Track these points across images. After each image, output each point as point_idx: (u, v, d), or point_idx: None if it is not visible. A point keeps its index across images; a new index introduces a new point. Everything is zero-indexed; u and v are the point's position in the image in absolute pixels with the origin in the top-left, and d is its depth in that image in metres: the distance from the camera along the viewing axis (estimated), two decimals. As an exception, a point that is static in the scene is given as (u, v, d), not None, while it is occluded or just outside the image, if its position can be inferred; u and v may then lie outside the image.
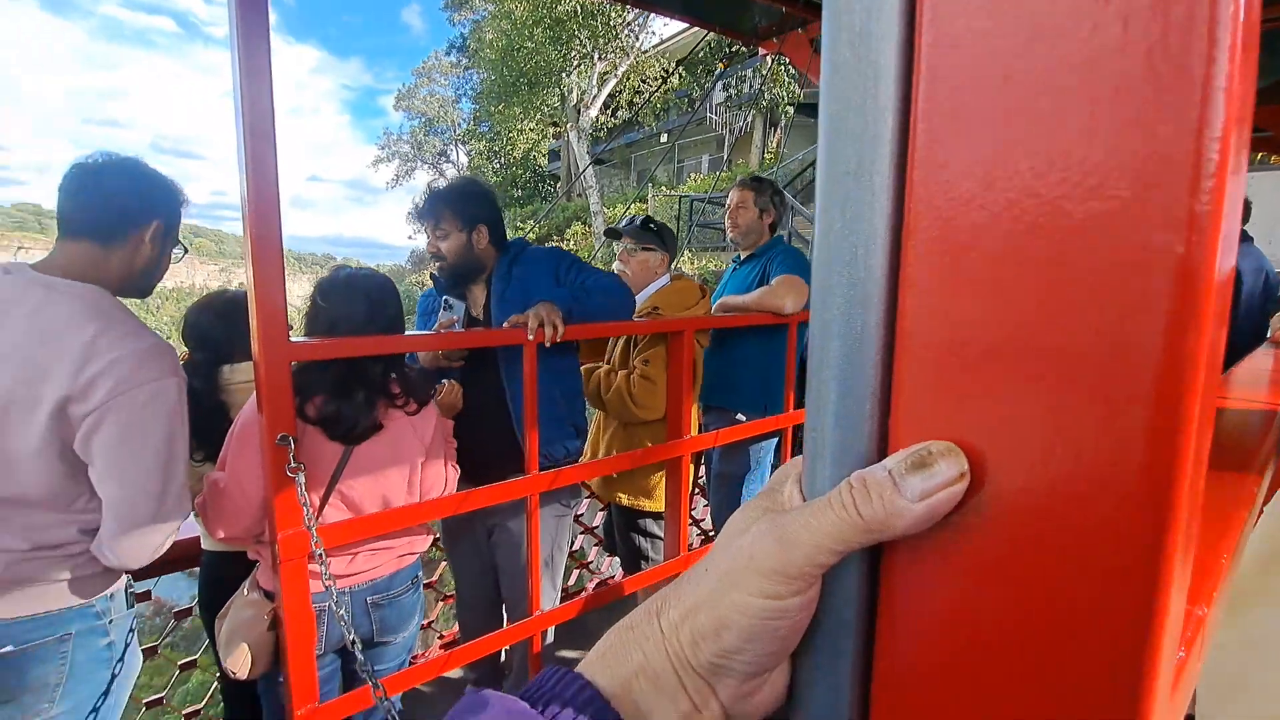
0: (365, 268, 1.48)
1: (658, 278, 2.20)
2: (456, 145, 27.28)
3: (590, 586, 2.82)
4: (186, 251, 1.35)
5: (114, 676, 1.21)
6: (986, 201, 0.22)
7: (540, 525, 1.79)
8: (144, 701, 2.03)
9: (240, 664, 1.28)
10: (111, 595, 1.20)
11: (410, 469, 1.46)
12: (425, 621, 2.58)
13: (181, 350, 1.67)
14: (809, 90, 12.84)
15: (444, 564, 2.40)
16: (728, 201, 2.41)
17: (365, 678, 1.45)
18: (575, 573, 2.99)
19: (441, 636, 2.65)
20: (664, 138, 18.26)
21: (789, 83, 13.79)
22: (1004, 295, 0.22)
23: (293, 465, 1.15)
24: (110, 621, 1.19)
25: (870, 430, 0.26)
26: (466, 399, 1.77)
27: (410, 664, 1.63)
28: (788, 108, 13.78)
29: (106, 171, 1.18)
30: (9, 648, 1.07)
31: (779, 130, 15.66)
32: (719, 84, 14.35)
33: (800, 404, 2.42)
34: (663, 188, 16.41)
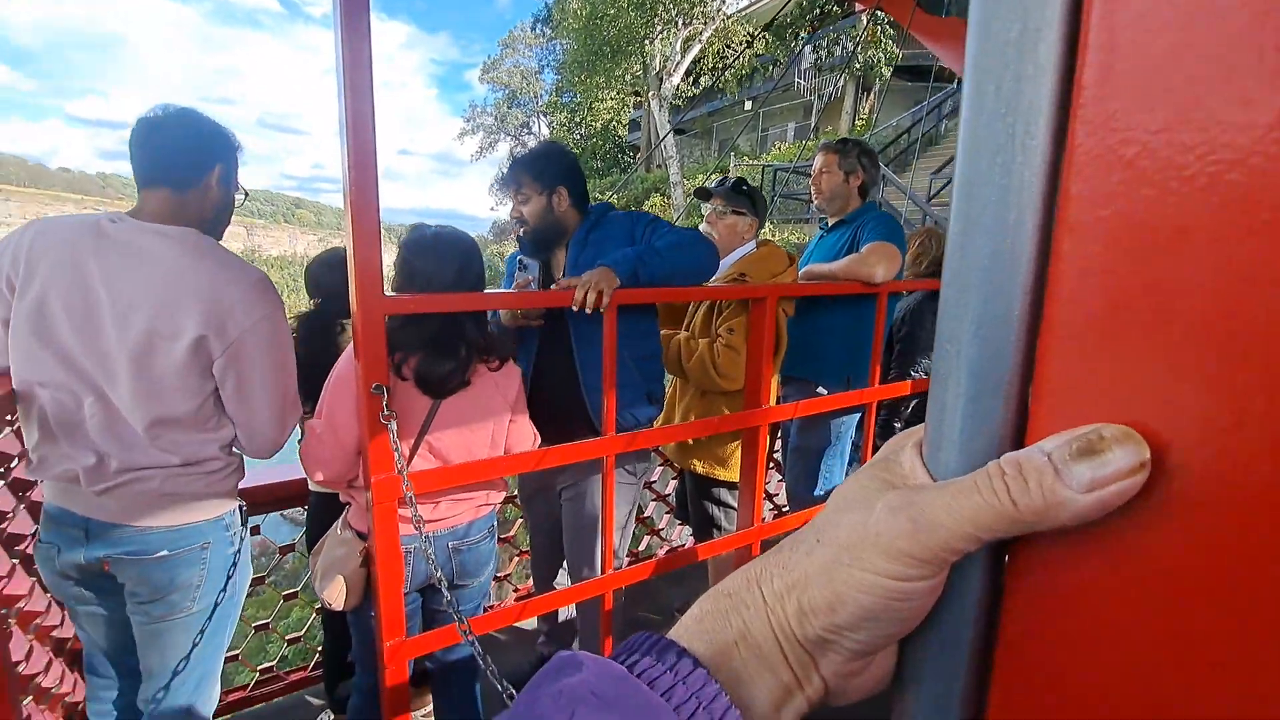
0: (449, 227, 1.52)
1: (744, 244, 2.14)
2: (538, 117, 27.56)
3: (660, 553, 2.85)
4: (247, 196, 1.44)
5: (233, 581, 1.40)
6: (1162, 156, 0.19)
7: (590, 500, 1.82)
8: (254, 625, 2.24)
9: (335, 596, 1.38)
10: (234, 511, 1.39)
11: (494, 424, 1.51)
12: (501, 574, 2.69)
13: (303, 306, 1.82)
14: (910, 51, 12.07)
15: (519, 521, 2.48)
16: (812, 168, 2.31)
17: (447, 616, 1.55)
18: (645, 539, 3.03)
19: (516, 590, 2.76)
20: (748, 105, 17.73)
21: (886, 43, 13.00)
22: (1188, 261, 0.19)
23: (386, 413, 1.20)
24: (234, 534, 1.39)
25: (1006, 405, 0.23)
26: (540, 361, 1.80)
27: (485, 611, 1.70)
28: (883, 70, 13.02)
29: (169, 123, 1.27)
30: (163, 553, 1.26)
31: (871, 95, 14.88)
32: (807, 47, 13.73)
33: (887, 379, 2.32)
34: (745, 157, 16.01)
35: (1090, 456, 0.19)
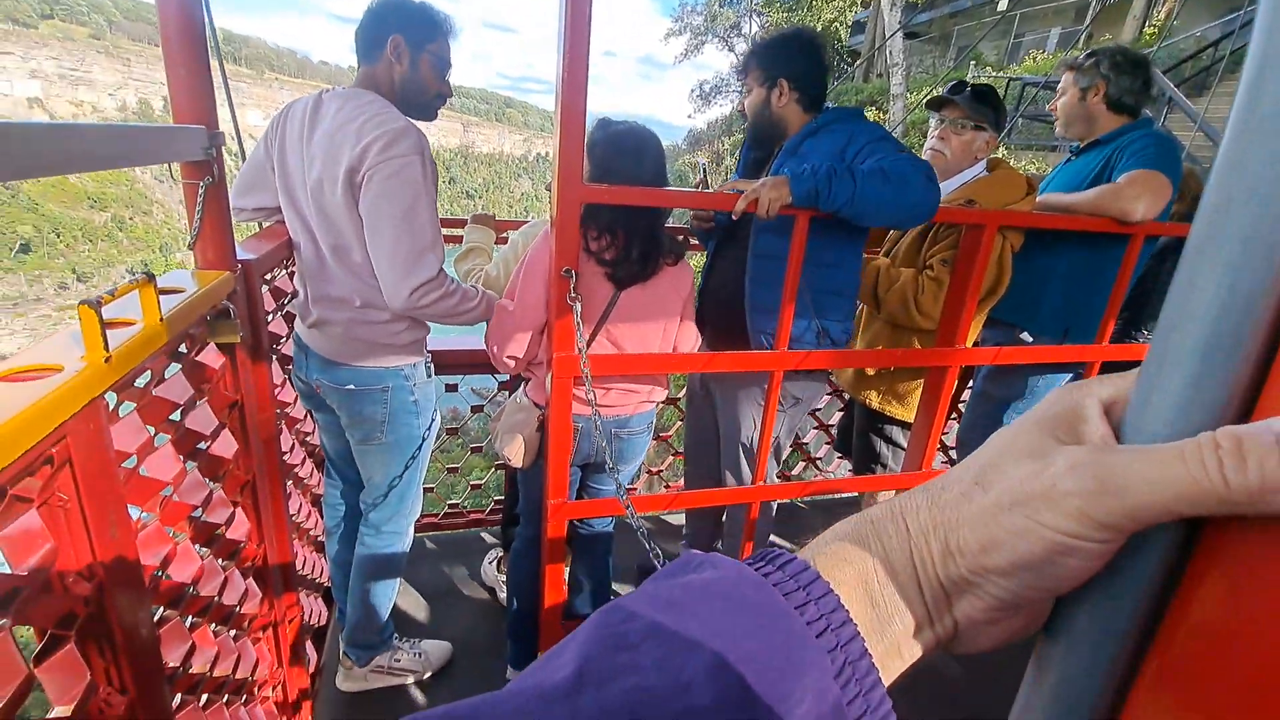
0: (636, 123, 1.52)
1: (977, 163, 1.88)
2: (751, 16, 25.87)
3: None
4: (450, 67, 1.50)
5: (418, 422, 1.59)
6: None
7: (741, 409, 1.79)
8: (446, 468, 2.63)
9: (514, 453, 1.55)
10: (415, 365, 1.56)
11: (667, 320, 1.56)
12: (655, 469, 2.85)
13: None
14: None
15: (679, 423, 2.57)
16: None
17: (596, 492, 1.68)
18: (800, 464, 3.00)
19: (668, 486, 2.91)
20: (1001, 4, 15.05)
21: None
22: None
23: (572, 295, 1.28)
24: (415, 384, 1.56)
25: (1238, 374, 0.20)
26: (714, 265, 1.77)
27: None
28: (1197, -40, 10.27)
29: (370, 4, 1.41)
30: (351, 386, 1.49)
31: (1173, -6, 11.86)
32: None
33: (1121, 338, 1.98)
34: (988, 68, 13.80)
35: None
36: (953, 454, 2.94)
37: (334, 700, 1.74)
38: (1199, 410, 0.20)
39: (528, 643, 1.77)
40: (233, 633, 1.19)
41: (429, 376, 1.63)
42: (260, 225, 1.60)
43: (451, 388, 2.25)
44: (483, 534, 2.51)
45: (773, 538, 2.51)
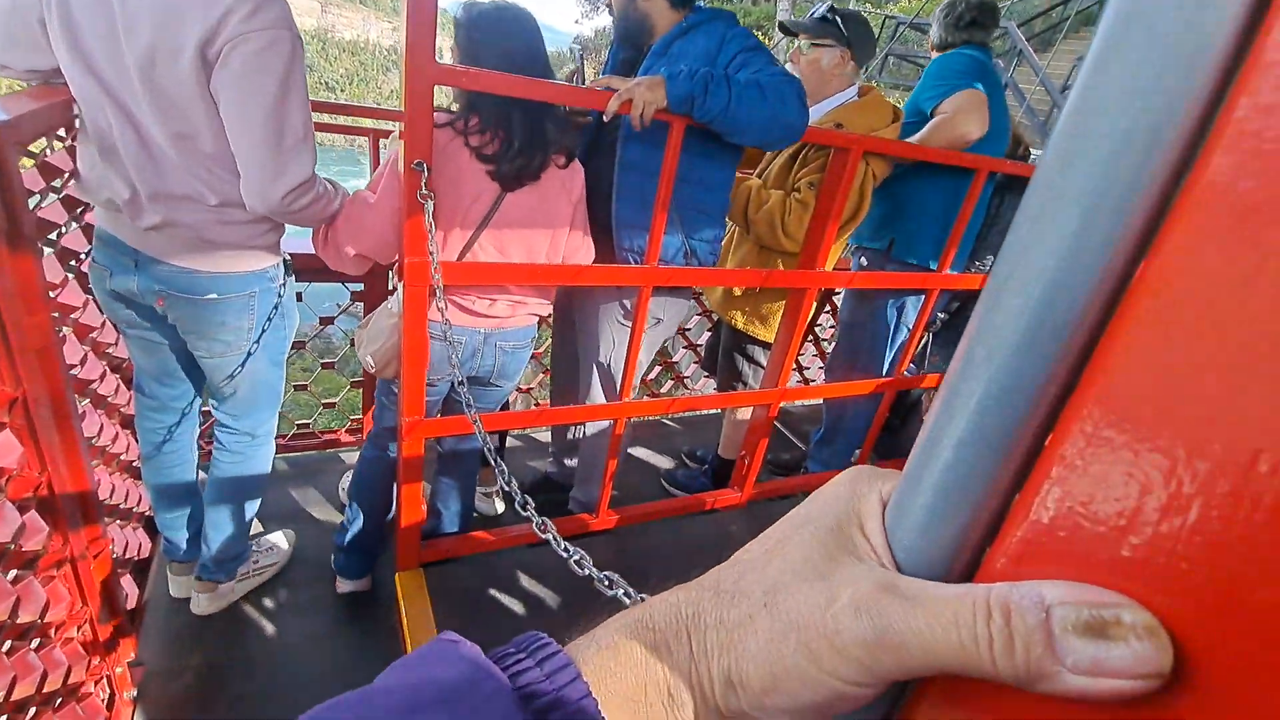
0: (507, 3, 1.36)
1: (836, 85, 1.89)
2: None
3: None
4: None
5: (287, 321, 1.49)
6: None
7: (601, 327, 1.76)
8: (293, 385, 2.40)
9: (378, 361, 1.46)
10: (277, 265, 1.42)
11: (556, 227, 1.46)
12: (525, 387, 2.80)
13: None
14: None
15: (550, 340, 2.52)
16: None
17: (489, 407, 1.62)
18: (668, 383, 3.08)
19: (538, 404, 2.88)
20: (885, -62, 15.24)
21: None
22: None
23: (424, 193, 1.15)
24: (280, 286, 1.44)
25: (993, 487, 0.19)
26: (585, 171, 1.68)
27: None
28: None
29: None
30: (212, 296, 1.33)
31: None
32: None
33: (967, 266, 2.14)
34: (867, 3, 14.09)
35: (1098, 638, 0.16)
36: (807, 374, 3.14)
37: (173, 630, 1.60)
38: (956, 513, 0.20)
39: (365, 554, 1.73)
40: (12, 573, 1.02)
41: (288, 273, 1.48)
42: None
43: (297, 297, 2.02)
44: (341, 455, 2.36)
45: (634, 450, 2.58)
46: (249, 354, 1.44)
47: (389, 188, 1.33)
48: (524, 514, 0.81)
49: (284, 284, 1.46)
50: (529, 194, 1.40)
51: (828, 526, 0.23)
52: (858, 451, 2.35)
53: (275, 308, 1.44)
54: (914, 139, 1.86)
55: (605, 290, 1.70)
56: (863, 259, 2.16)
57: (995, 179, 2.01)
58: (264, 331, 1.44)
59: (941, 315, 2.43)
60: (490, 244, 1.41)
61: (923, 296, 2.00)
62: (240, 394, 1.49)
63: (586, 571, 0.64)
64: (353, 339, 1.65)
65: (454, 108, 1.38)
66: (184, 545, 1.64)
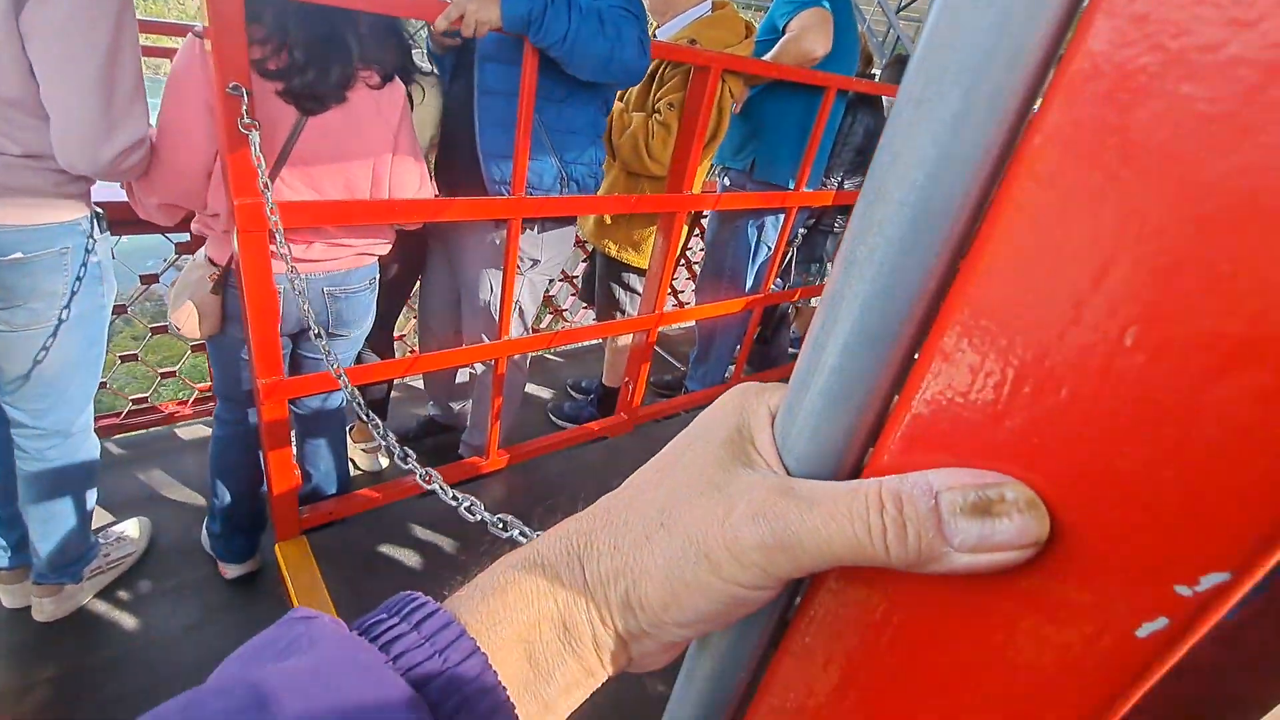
0: None
1: (703, 3, 1.85)
2: None
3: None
4: None
5: (105, 288, 1.29)
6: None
7: (477, 268, 1.69)
8: (120, 356, 2.10)
9: (183, 321, 1.28)
10: (88, 217, 1.22)
11: (374, 155, 1.31)
12: (398, 335, 2.64)
13: None
14: None
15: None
16: None
17: (316, 364, 1.49)
18: (548, 317, 3.03)
19: (412, 351, 2.74)
20: None
21: None
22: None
23: (246, 121, 1.00)
24: (95, 241, 1.24)
25: (878, 385, 0.20)
26: (449, 100, 1.55)
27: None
28: None
29: None
30: (18, 255, 1.13)
31: None
32: None
33: (822, 183, 2.24)
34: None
35: (984, 517, 0.17)
36: (681, 297, 3.22)
37: (14, 643, 1.40)
38: (836, 431, 0.21)
39: (245, 534, 1.60)
40: None
41: (104, 230, 1.26)
42: None
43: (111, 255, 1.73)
44: (185, 428, 2.12)
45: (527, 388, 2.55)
46: (59, 323, 1.22)
47: (172, 119, 1.13)
48: (405, 466, 0.77)
49: (98, 239, 1.25)
50: (337, 119, 1.23)
51: (719, 441, 0.23)
52: (732, 368, 2.47)
53: (85, 266, 1.23)
54: (765, 58, 1.87)
55: (476, 227, 1.61)
56: (726, 179, 2.20)
57: (847, 97, 2.09)
58: (75, 295, 1.22)
59: (801, 230, 2.56)
60: (298, 179, 1.25)
61: (783, 215, 2.08)
62: (45, 380, 1.26)
63: (479, 517, 0.63)
64: None
65: None
66: (6, 553, 1.42)
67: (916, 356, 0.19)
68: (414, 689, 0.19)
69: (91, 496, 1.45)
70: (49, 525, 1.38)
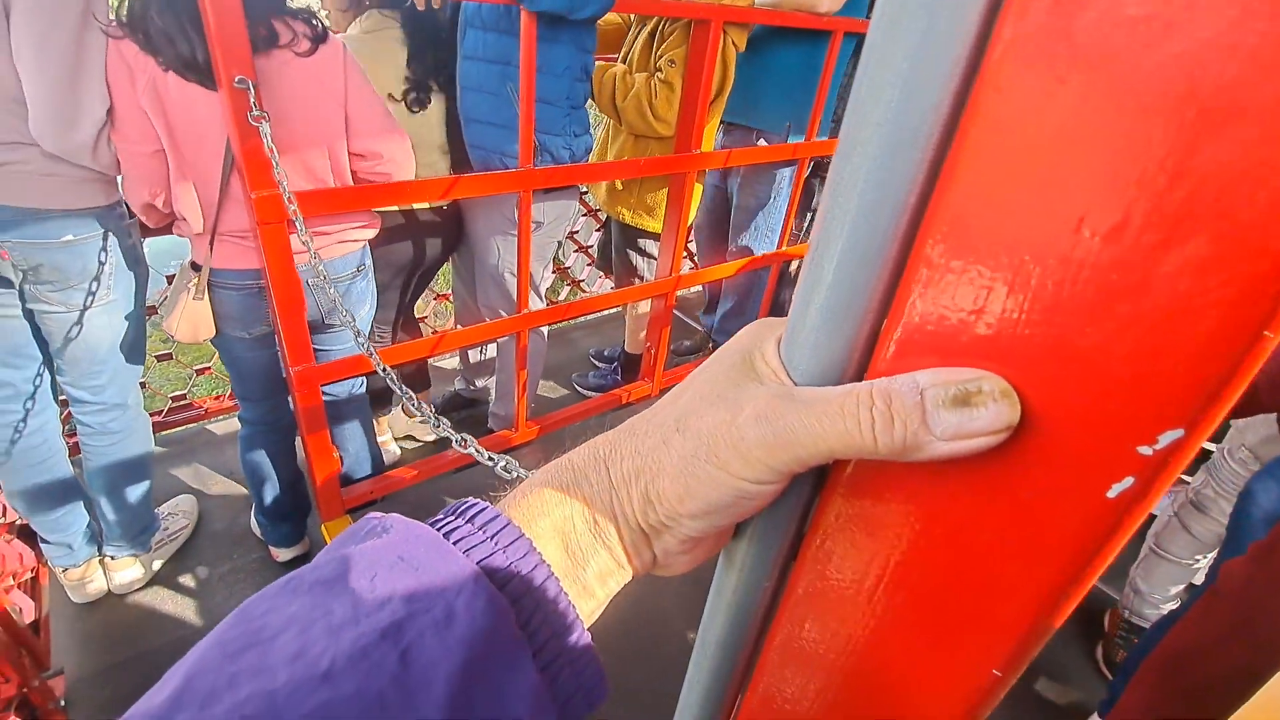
0: None
1: None
2: None
3: (580, 303, 2.90)
4: None
5: (141, 271, 1.40)
6: None
7: (486, 239, 1.71)
8: (155, 355, 2.18)
9: (175, 328, 1.31)
10: (121, 202, 1.30)
11: (330, 135, 1.26)
12: (420, 316, 2.68)
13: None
14: None
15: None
16: None
17: (323, 355, 1.50)
18: (565, 289, 3.05)
19: (435, 331, 2.78)
20: None
21: None
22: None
23: (255, 113, 1.02)
24: (129, 223, 1.33)
25: (871, 299, 0.21)
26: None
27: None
28: None
29: None
30: (69, 237, 1.21)
31: None
32: None
33: (833, 131, 2.20)
34: None
35: (963, 407, 0.19)
36: (697, 259, 3.20)
37: (89, 631, 1.50)
38: (838, 342, 0.22)
39: (292, 520, 1.67)
40: None
41: (132, 216, 1.33)
42: None
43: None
44: (226, 421, 2.20)
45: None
46: (112, 302, 1.31)
47: (124, 119, 1.13)
48: (441, 434, 0.81)
49: (132, 224, 1.34)
50: (280, 101, 1.16)
51: (730, 363, 0.26)
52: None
53: (132, 250, 1.34)
54: (767, 2, 1.82)
55: (481, 201, 1.63)
56: (760, 139, 2.15)
57: (855, 41, 2.03)
58: (119, 274, 1.32)
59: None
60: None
61: (795, 166, 2.05)
62: (100, 358, 1.36)
63: (515, 475, 0.65)
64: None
65: None
66: (75, 548, 1.50)
67: (905, 269, 0.20)
68: None
69: (151, 466, 1.56)
70: (117, 496, 1.48)
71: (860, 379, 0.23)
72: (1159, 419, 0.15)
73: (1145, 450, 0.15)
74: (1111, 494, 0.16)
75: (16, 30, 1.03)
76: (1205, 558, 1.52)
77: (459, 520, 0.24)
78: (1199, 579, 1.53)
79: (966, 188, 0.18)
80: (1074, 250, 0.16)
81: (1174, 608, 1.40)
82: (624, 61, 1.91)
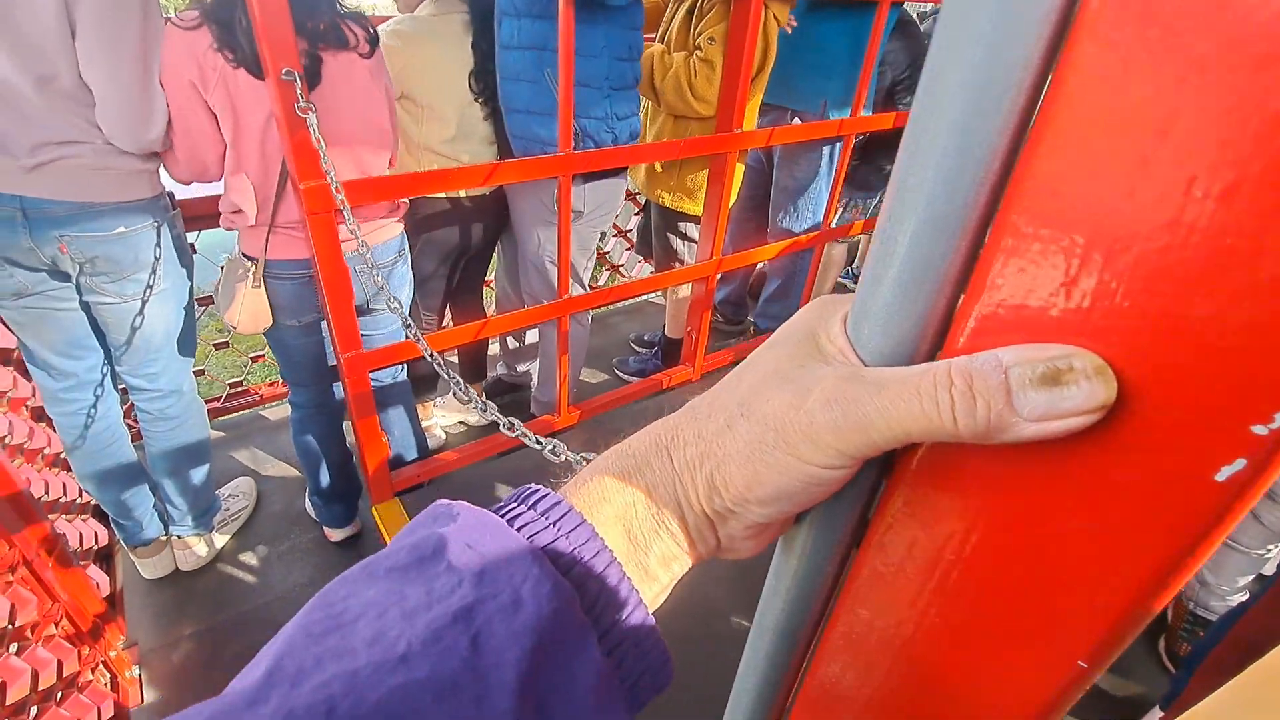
0: None
1: None
2: None
3: (619, 288, 2.90)
4: None
5: (186, 261, 1.44)
6: None
7: (526, 225, 1.72)
8: (213, 344, 2.27)
9: (236, 318, 1.36)
10: (166, 195, 1.35)
11: (378, 130, 1.34)
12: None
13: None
14: None
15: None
16: None
17: (375, 340, 1.53)
18: (605, 274, 3.05)
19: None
20: None
21: None
22: None
23: (302, 104, 1.04)
24: (175, 215, 1.38)
25: (948, 272, 0.20)
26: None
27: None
28: None
29: None
30: (122, 229, 1.25)
31: None
32: None
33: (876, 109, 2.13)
34: None
35: (1053, 386, 0.17)
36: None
37: (158, 606, 1.59)
38: (910, 322, 0.21)
39: (344, 501, 1.73)
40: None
41: (175, 207, 1.40)
42: None
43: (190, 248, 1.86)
44: (282, 406, 2.29)
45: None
46: (161, 290, 1.37)
47: (184, 113, 1.20)
48: (487, 416, 0.82)
49: (178, 215, 1.40)
50: (329, 95, 1.23)
51: (795, 341, 0.25)
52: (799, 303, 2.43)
53: (179, 241, 1.39)
54: None
55: (523, 185, 1.63)
56: (796, 118, 2.10)
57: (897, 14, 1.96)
58: (169, 264, 1.36)
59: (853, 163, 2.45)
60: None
61: (839, 144, 1.99)
62: (155, 346, 1.42)
63: (563, 458, 0.66)
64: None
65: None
66: (144, 527, 1.59)
67: (986, 240, 0.19)
68: None
69: (209, 450, 1.63)
70: (179, 478, 1.56)
71: (933, 358, 0.22)
72: (1276, 395, 0.14)
73: (1260, 430, 0.14)
74: (1220, 477, 0.15)
75: (85, 36, 1.07)
76: (1276, 548, 1.44)
77: (523, 507, 0.24)
78: (1269, 569, 1.46)
79: (1058, 150, 0.16)
80: (1184, 214, 0.14)
81: (1243, 599, 1.33)
82: (661, 41, 1.88)
